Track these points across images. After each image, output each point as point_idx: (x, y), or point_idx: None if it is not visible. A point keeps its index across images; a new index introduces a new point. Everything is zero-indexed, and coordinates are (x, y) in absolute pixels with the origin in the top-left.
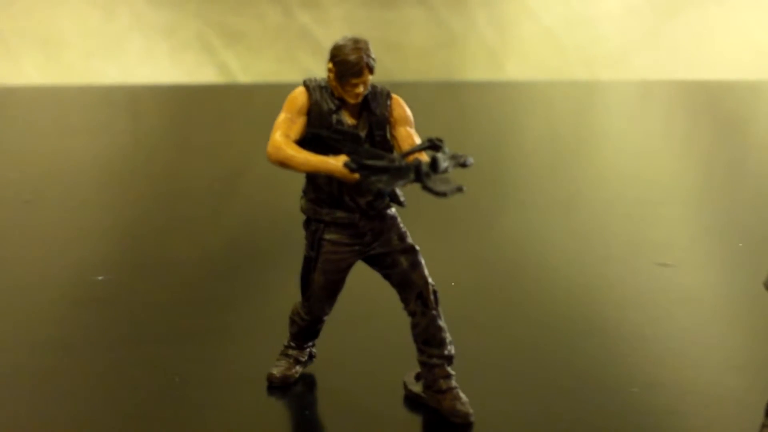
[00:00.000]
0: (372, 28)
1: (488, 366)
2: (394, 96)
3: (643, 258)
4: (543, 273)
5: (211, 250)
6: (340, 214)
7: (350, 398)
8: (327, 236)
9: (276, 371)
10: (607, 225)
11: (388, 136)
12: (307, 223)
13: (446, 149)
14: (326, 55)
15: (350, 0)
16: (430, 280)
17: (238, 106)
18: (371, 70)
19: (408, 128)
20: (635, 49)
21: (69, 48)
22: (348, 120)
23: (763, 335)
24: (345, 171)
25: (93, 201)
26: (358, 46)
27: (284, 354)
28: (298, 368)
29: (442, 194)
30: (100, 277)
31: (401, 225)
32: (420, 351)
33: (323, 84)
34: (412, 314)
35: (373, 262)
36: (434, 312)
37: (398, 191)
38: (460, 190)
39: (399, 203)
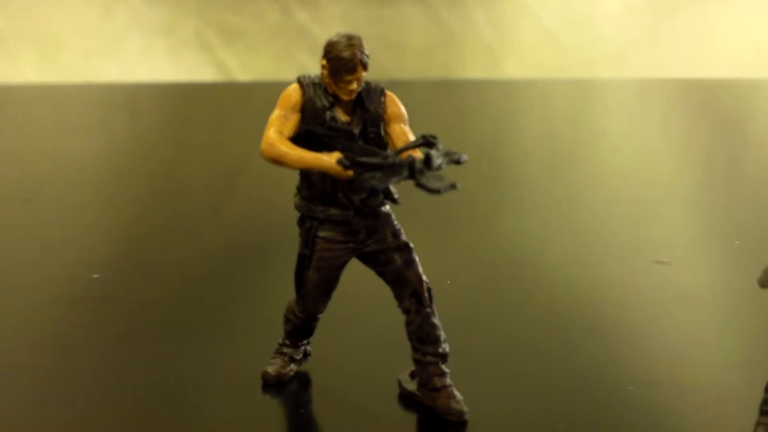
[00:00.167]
0: (370, 27)
1: (483, 364)
2: (387, 93)
3: (641, 256)
4: (540, 271)
5: (208, 249)
6: (334, 211)
7: (345, 396)
8: (321, 233)
9: (271, 369)
10: (605, 224)
11: (382, 133)
12: (301, 221)
13: (440, 146)
14: (323, 48)
15: None
16: (424, 277)
17: (237, 105)
18: (365, 67)
19: (402, 125)
20: (634, 48)
21: (67, 47)
22: (342, 117)
23: (760, 333)
24: (338, 168)
25: (91, 200)
26: (352, 42)
27: (279, 352)
28: (293, 366)
29: (436, 191)
30: (96, 276)
31: (395, 222)
32: (414, 349)
33: (317, 81)
34: (406, 312)
35: (367, 259)
36: (428, 310)
37: (392, 188)
38: (453, 187)
39: (393, 200)
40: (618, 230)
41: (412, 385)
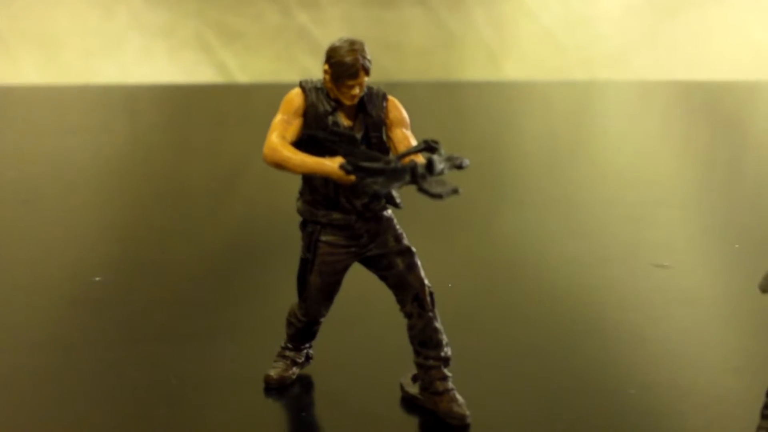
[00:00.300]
0: (370, 28)
1: (485, 367)
2: (390, 98)
3: (641, 258)
4: (541, 274)
5: (208, 250)
6: (336, 215)
7: (347, 400)
8: (323, 238)
9: (273, 373)
10: (605, 225)
11: (384, 137)
12: (303, 225)
13: (442, 151)
14: (324, 54)
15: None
16: (426, 281)
17: (237, 106)
18: (367, 72)
19: (404, 130)
20: (634, 50)
21: (67, 47)
22: (344, 122)
23: (760, 336)
24: (341, 173)
25: (91, 200)
26: (354, 47)
27: (281, 355)
28: (295, 370)
29: (438, 196)
30: (97, 278)
31: (397, 226)
32: (416, 353)
33: (319, 85)
34: (408, 316)
35: (370, 263)
36: (431, 314)
37: (394, 193)
38: (455, 191)
39: (395, 205)
40: (618, 231)
41: (414, 389)
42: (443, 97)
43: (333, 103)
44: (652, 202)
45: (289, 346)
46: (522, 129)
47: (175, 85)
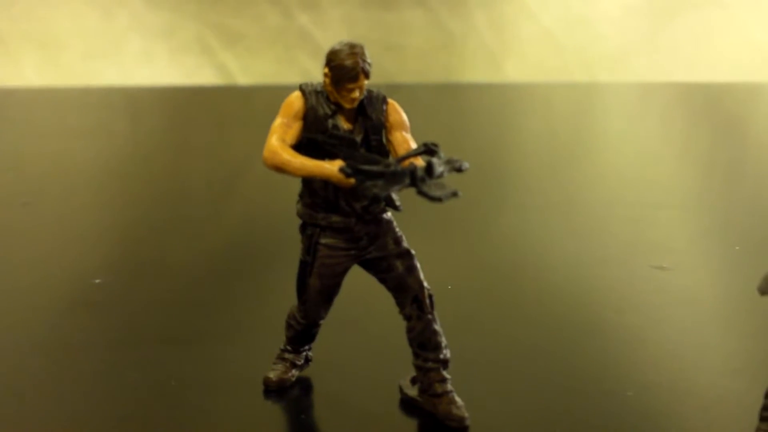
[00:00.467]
0: (371, 30)
1: (484, 369)
2: (390, 101)
3: (641, 259)
4: (541, 275)
5: (209, 253)
6: (335, 218)
7: (346, 402)
8: (323, 241)
9: (272, 375)
10: (605, 227)
11: (384, 141)
12: (303, 228)
13: (441, 154)
14: (324, 57)
15: (349, 1)
16: (425, 284)
17: (238, 108)
18: (367, 75)
19: (404, 133)
20: (634, 51)
21: (68, 49)
22: (344, 125)
23: (760, 338)
24: (340, 176)
25: (91, 203)
26: (354, 51)
27: (280, 358)
28: (295, 372)
29: (438, 199)
30: (97, 280)
31: (397, 229)
32: (415, 355)
33: (319, 89)
34: (407, 318)
35: (369, 266)
36: (430, 316)
37: (394, 196)
38: (455, 194)
39: (395, 207)
40: (618, 233)
41: (413, 391)
42: (444, 98)
43: (333, 107)
44: (652, 203)
45: (289, 348)
46: (522, 130)
47: (175, 87)
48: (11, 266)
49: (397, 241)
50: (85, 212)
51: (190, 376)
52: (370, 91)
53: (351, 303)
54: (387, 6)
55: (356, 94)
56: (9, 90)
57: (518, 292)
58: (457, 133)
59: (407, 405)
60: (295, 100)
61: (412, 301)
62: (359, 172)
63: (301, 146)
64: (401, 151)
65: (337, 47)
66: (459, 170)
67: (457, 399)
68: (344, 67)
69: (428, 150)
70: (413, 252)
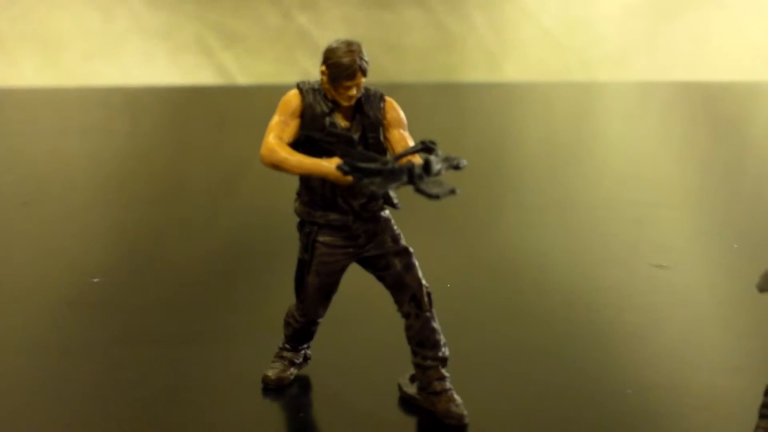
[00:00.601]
0: (370, 30)
1: (483, 368)
2: (387, 98)
3: (640, 259)
4: (540, 274)
5: (208, 252)
6: (333, 216)
7: (345, 400)
8: (321, 238)
9: (271, 373)
10: (604, 226)
11: (382, 138)
12: (301, 226)
13: (439, 151)
14: (322, 55)
15: (348, 1)
16: (424, 281)
17: (237, 108)
18: (364, 73)
19: (401, 131)
20: (634, 51)
21: (67, 50)
22: (341, 122)
23: (759, 337)
24: (338, 173)
25: (90, 203)
26: (351, 48)
27: (279, 356)
28: (293, 370)
29: (435, 196)
30: (96, 279)
31: (395, 227)
32: (414, 353)
33: (316, 87)
34: (406, 316)
35: (367, 264)
36: (428, 314)
37: (392, 193)
38: (453, 192)
39: (393, 205)
40: (618, 232)
41: (412, 389)
42: (443, 98)
43: (330, 104)
44: (651, 202)
45: (287, 346)
46: (522, 130)
47: (175, 87)
48: (11, 266)
49: (395, 238)
50: (84, 212)
51: (189, 375)
52: (367, 89)
53: (349, 301)
54: (386, 6)
55: (353, 91)
56: (8, 90)
57: (517, 291)
58: (457, 132)
59: (406, 403)
60: (293, 98)
61: (411, 299)
62: (357, 169)
63: (299, 144)
64: (399, 148)
65: (335, 45)
66: (457, 168)
67: (456, 397)
68: (341, 65)
69: (426, 147)
70: (411, 250)
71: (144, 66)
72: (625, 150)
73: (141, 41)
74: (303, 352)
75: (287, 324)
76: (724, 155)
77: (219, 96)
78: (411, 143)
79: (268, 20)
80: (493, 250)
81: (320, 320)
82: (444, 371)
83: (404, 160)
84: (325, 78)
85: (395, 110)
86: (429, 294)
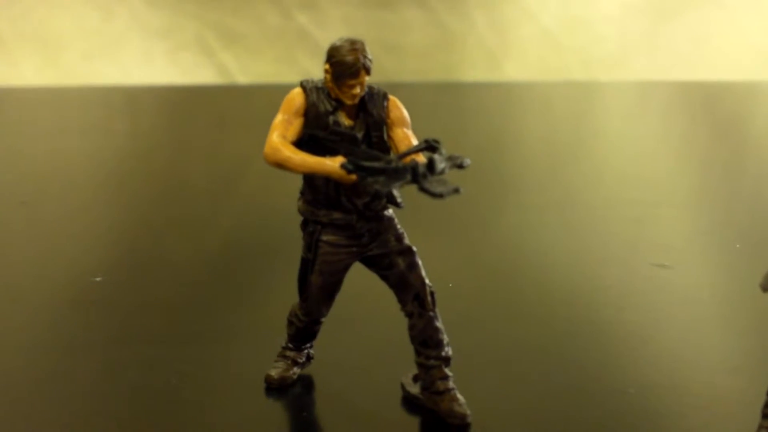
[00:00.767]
0: (370, 29)
1: (486, 367)
2: (391, 97)
3: (641, 258)
4: (541, 274)
5: (209, 251)
6: (337, 215)
7: (348, 399)
8: (324, 237)
9: (274, 373)
10: (605, 226)
11: (385, 137)
12: (304, 225)
13: (443, 150)
14: (324, 56)
15: (349, 1)
16: (427, 281)
17: (237, 107)
18: (368, 71)
19: (405, 129)
20: (634, 51)
21: (67, 49)
22: (345, 121)
23: (759, 337)
24: (342, 172)
25: (90, 202)
26: (355, 47)
27: (282, 355)
28: (296, 370)
29: (439, 195)
30: (97, 279)
31: (398, 226)
32: (417, 352)
33: (320, 85)
34: (409, 315)
35: (371, 263)
36: (431, 313)
37: (395, 192)
38: (456, 191)
39: (396, 204)
40: (618, 232)
41: (415, 389)
42: (444, 97)
43: (334, 103)
44: (652, 202)
45: (290, 346)
46: (522, 130)
47: (175, 86)
48: (11, 265)
49: (399, 238)
50: (84, 211)
51: (191, 374)
52: (371, 88)
53: (353, 301)
54: (386, 5)
55: (357, 90)
56: (8, 89)
57: (519, 290)
58: (457, 132)
59: (409, 403)
60: (296, 97)
61: (414, 298)
62: (361, 168)
63: (302, 143)
64: (402, 147)
65: (338, 43)
66: (460, 167)
67: (459, 396)
68: (345, 63)
69: (429, 146)
70: (415, 249)
71: (144, 65)
72: (625, 149)
73: (141, 41)
74: (306, 351)
75: (290, 323)
76: (724, 155)
77: (219, 95)
78: (414, 142)
79: (268, 20)
80: (494, 250)
81: (323, 320)
82: (447, 371)
83: (408, 158)
84: (328, 76)
85: (399, 109)
86: (432, 293)
